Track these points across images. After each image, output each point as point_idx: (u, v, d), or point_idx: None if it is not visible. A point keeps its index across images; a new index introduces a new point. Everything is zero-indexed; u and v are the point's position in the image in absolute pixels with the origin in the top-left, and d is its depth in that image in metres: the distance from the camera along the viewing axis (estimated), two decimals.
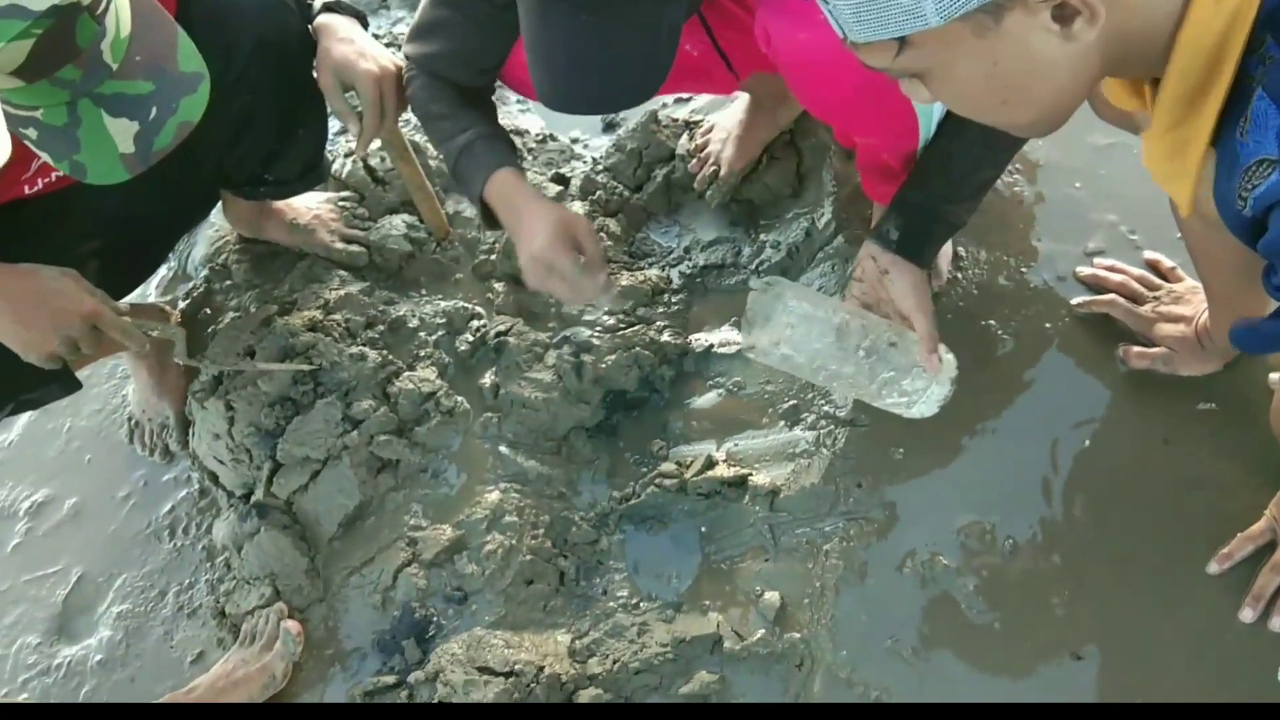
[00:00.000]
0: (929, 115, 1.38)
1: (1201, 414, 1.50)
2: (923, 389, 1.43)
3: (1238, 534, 1.37)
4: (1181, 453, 1.48)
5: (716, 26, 1.52)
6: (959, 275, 1.70)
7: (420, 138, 2.08)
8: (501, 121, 1.63)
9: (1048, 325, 1.63)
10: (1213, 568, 1.36)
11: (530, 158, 2.13)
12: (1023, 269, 1.70)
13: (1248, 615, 1.32)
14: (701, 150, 2.03)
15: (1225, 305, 1.38)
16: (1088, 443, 1.51)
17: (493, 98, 1.66)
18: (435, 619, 1.60)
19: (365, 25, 1.61)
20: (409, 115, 2.12)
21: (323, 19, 1.55)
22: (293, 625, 1.61)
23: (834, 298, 1.52)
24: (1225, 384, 1.51)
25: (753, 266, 1.90)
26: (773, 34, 1.34)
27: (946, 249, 1.69)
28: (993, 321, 1.65)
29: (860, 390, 1.46)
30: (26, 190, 1.42)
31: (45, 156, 1.17)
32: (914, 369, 1.41)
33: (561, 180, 2.08)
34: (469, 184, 1.54)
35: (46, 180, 1.43)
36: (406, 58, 1.56)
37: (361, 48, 1.53)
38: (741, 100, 1.97)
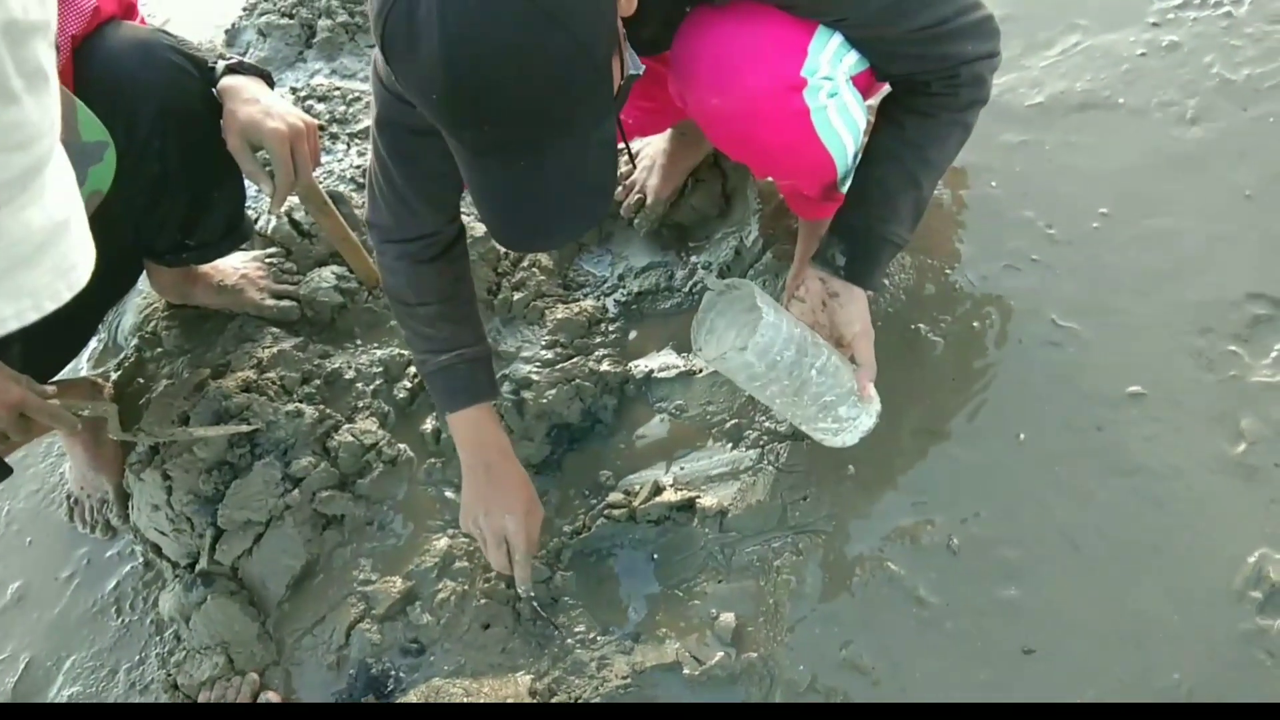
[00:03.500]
0: (843, 152, 1.40)
1: (1130, 398, 1.52)
2: (854, 418, 1.42)
3: None
4: (1113, 439, 1.50)
5: (650, 90, 1.52)
6: (886, 281, 1.72)
7: (343, 188, 2.08)
8: None
9: (975, 325, 1.65)
10: None
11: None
12: (947, 270, 1.72)
13: None
14: (627, 178, 2.04)
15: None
16: (1023, 436, 1.53)
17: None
18: (393, 673, 1.58)
19: (271, 84, 1.60)
20: (330, 164, 2.13)
21: (226, 81, 1.54)
22: (274, 696, 1.59)
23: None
24: (1152, 367, 1.54)
25: (686, 289, 1.91)
26: (686, 98, 1.35)
27: None
28: (922, 325, 1.67)
29: (797, 410, 1.42)
30: None
31: None
32: (850, 397, 1.40)
33: None
34: (440, 399, 1.56)
35: None
36: (372, 224, 1.50)
37: (267, 107, 1.52)
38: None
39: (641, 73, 1.15)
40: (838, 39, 1.29)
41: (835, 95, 1.31)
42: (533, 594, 1.57)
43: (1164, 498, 1.44)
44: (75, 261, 0.68)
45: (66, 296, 0.66)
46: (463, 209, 1.54)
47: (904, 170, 1.38)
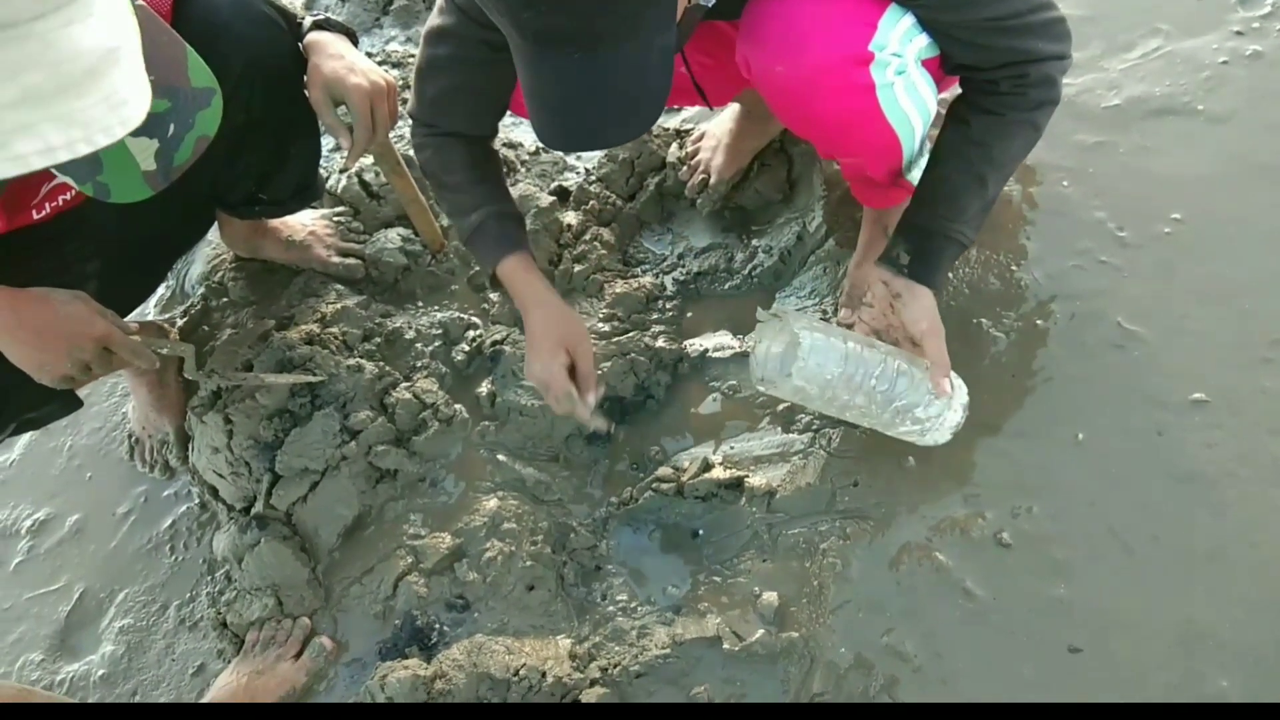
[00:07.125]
0: (910, 133, 1.39)
1: (1192, 404, 1.51)
2: (936, 416, 1.43)
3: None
4: (1173, 444, 1.48)
5: (712, 48, 1.53)
6: (950, 275, 1.71)
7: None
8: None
9: (1039, 323, 1.64)
10: None
11: (524, 170, 2.15)
12: (1013, 267, 1.71)
13: None
14: (692, 158, 2.05)
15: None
16: (1080, 436, 1.52)
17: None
18: (438, 626, 1.61)
19: (355, 42, 1.63)
20: (402, 130, 2.16)
21: (313, 36, 1.57)
22: (327, 641, 1.62)
23: (837, 325, 1.50)
24: (1216, 375, 1.52)
25: (745, 271, 1.92)
26: (752, 64, 1.36)
27: None
28: (985, 320, 1.66)
29: (873, 420, 1.45)
30: (35, 216, 1.44)
31: (68, 179, 1.17)
32: (927, 396, 1.41)
33: (561, 193, 2.10)
34: (481, 261, 1.60)
35: (54, 205, 1.45)
36: (413, 116, 1.57)
37: (351, 63, 1.55)
38: (732, 109, 1.99)
39: (712, 3, 1.17)
40: (910, 19, 1.29)
41: (903, 73, 1.31)
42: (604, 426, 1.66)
43: (1221, 506, 1.42)
44: (127, 96, 0.65)
45: (119, 133, 0.65)
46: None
47: (970, 168, 1.37)
